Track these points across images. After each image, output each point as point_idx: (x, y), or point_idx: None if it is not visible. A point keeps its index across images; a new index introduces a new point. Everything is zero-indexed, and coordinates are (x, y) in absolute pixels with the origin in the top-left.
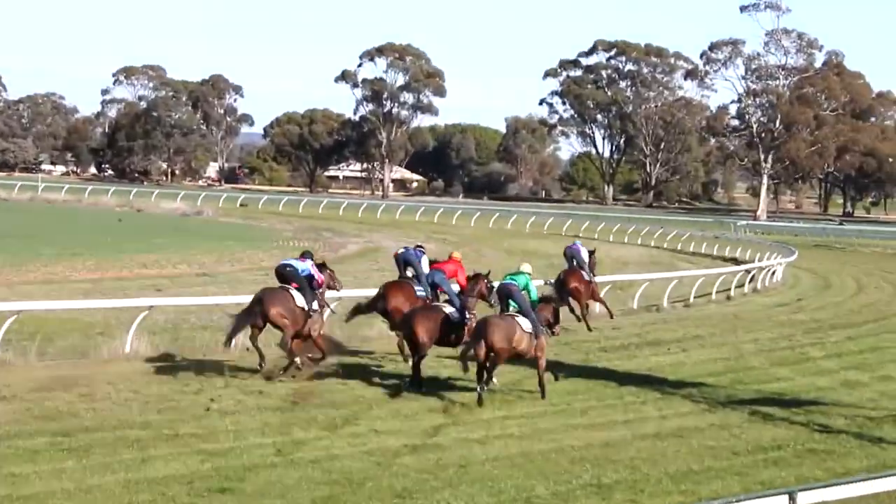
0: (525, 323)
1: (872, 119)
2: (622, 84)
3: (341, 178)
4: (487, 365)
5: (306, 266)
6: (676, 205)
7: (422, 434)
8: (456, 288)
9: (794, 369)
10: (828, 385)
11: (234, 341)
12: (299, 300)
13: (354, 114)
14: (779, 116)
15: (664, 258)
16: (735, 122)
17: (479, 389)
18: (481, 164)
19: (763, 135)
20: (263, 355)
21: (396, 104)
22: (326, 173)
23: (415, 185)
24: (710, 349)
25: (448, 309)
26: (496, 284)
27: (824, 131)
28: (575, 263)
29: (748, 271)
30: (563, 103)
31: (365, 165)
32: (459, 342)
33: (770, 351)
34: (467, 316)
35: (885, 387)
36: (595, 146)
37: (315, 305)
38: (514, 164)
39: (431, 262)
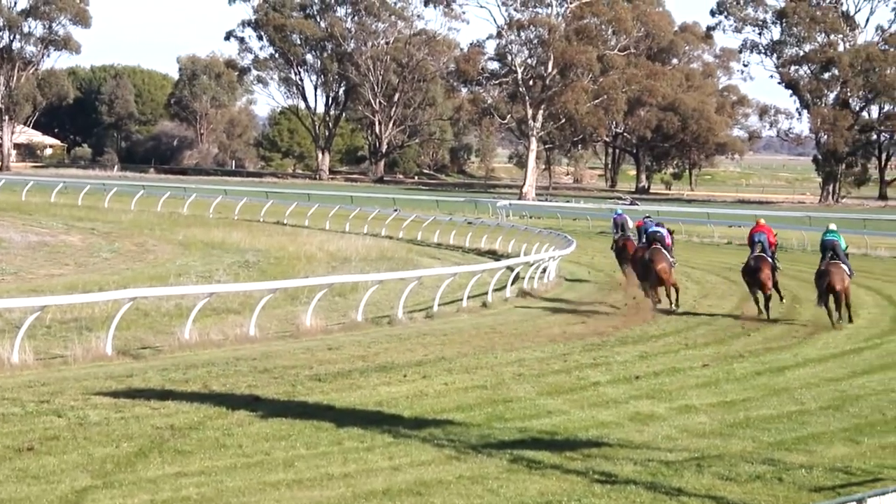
0: (846, 268)
1: (675, 61)
2: (340, 11)
3: None
4: (838, 303)
5: (664, 231)
6: (416, 179)
7: (58, 503)
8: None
9: (569, 399)
10: (613, 420)
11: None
12: (670, 259)
13: None
14: (552, 57)
15: (399, 252)
16: (494, 66)
17: (834, 321)
18: (145, 123)
19: (531, 83)
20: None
21: (17, 36)
22: None
23: (49, 151)
24: (459, 374)
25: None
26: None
27: (611, 78)
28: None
29: (511, 269)
30: (260, 38)
31: None
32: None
33: (539, 375)
34: (778, 267)
35: (685, 420)
36: (304, 98)
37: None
38: (192, 123)
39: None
